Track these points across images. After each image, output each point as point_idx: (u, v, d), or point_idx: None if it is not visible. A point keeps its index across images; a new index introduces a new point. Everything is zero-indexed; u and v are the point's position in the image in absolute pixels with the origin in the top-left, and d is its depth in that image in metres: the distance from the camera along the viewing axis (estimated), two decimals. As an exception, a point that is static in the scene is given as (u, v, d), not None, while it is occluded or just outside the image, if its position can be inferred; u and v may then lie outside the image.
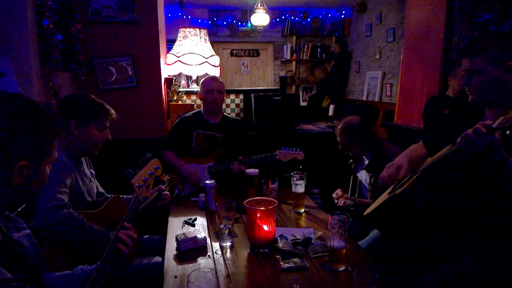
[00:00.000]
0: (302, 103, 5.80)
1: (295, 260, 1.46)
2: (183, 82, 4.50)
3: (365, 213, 1.70)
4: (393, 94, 4.45)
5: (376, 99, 4.81)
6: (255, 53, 6.35)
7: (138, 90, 2.99)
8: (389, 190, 1.65)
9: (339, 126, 2.23)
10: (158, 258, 1.76)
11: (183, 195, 2.48)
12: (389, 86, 4.57)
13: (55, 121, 0.87)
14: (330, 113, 5.38)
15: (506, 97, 1.31)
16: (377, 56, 4.86)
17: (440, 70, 3.02)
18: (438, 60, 3.02)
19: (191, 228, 1.84)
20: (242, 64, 6.32)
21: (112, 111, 1.74)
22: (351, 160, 2.32)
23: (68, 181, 1.56)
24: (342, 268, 1.39)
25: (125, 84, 2.96)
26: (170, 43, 3.75)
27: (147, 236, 2.02)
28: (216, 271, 1.39)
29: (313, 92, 6.04)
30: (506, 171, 1.07)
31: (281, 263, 1.44)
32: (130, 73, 2.94)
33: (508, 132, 0.97)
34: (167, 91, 3.32)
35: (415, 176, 1.38)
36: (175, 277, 1.40)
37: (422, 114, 2.81)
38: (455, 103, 2.52)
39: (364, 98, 5.12)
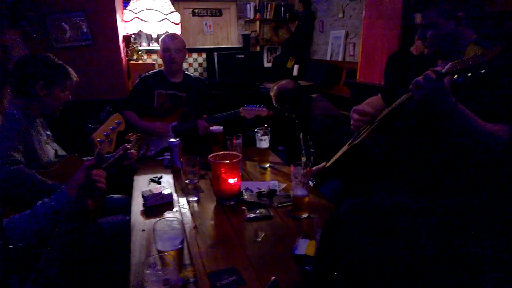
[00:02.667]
0: (267, 64, 5.75)
1: (260, 210, 1.51)
2: (144, 44, 4.30)
3: (327, 165, 1.77)
4: (356, 54, 4.50)
5: (340, 59, 4.85)
6: (218, 13, 6.12)
7: (95, 48, 2.84)
8: (349, 142, 1.71)
9: (271, 92, 2.31)
10: (124, 217, 1.77)
11: (148, 155, 2.45)
12: (352, 46, 4.61)
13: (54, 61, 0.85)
14: (295, 73, 5.39)
15: (457, 48, 1.37)
16: (340, 15, 4.85)
17: (400, 27, 3.08)
18: (398, 18, 3.07)
19: (157, 186, 1.85)
20: (205, 24, 6.09)
21: (73, 73, 1.69)
22: (296, 121, 2.39)
23: (21, 139, 1.50)
24: (305, 215, 1.46)
25: (80, 42, 2.79)
26: (126, 1, 3.53)
27: (112, 195, 2.00)
28: (183, 223, 1.42)
29: (278, 53, 5.99)
30: (454, 118, 1.14)
31: (246, 213, 1.50)
32: (85, 30, 2.77)
33: (455, 76, 1.02)
34: (126, 49, 3.16)
35: (372, 126, 1.44)
36: (143, 230, 1.42)
37: (384, 70, 2.88)
38: (414, 58, 2.60)
39: (328, 58, 5.15)
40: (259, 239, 1.31)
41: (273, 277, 1.05)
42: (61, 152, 1.83)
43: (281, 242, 1.29)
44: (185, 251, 1.23)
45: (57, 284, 0.99)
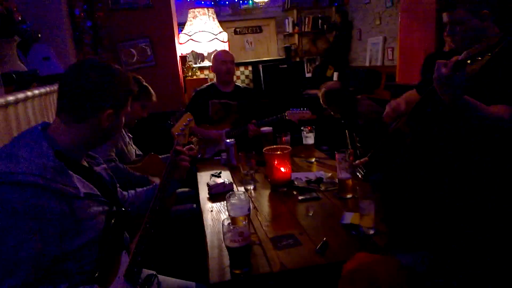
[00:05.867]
0: (307, 74, 5.99)
1: (310, 193, 1.74)
2: (191, 62, 4.76)
3: (368, 156, 1.97)
4: (394, 58, 4.62)
5: (379, 64, 4.98)
6: (258, 30, 6.50)
7: (157, 69, 3.26)
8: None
9: (319, 93, 2.52)
10: (191, 205, 2.07)
11: (205, 157, 2.77)
12: (390, 50, 4.73)
13: (128, 82, 1.15)
14: (335, 79, 5.57)
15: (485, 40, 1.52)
16: (377, 22, 5.00)
17: (435, 28, 3.20)
18: (433, 19, 3.21)
19: (218, 180, 2.13)
20: (246, 42, 6.49)
21: (154, 94, 2.08)
22: (342, 121, 2.59)
23: (115, 142, 1.87)
24: (349, 195, 1.67)
25: (145, 63, 3.23)
26: (179, 26, 3.99)
27: (179, 189, 2.33)
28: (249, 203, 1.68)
29: (317, 63, 6.21)
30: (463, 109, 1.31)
31: (298, 196, 1.73)
32: (149, 53, 3.20)
33: (469, 61, 1.20)
34: (182, 68, 3.58)
35: (406, 116, 1.63)
36: (211, 211, 1.70)
37: (420, 71, 3.02)
38: (447, 56, 2.72)
39: (367, 64, 5.28)
40: (310, 214, 1.54)
41: (324, 238, 1.28)
42: (138, 152, 2.20)
43: (330, 216, 1.51)
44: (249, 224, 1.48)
45: (148, 257, 1.26)
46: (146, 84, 2.02)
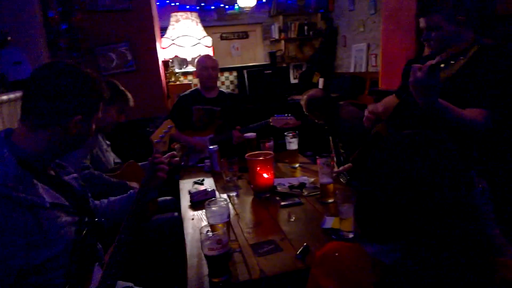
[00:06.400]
0: (293, 81, 6.01)
1: (293, 198, 1.72)
2: (176, 67, 4.71)
3: (350, 159, 1.97)
4: (378, 64, 4.67)
5: (363, 70, 5.04)
6: (244, 35, 6.50)
7: (138, 74, 3.21)
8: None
9: (301, 101, 2.52)
10: (173, 214, 2.02)
11: (189, 165, 2.73)
12: (374, 57, 4.80)
13: (99, 86, 1.10)
14: (320, 86, 5.60)
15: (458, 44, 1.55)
16: (361, 29, 5.07)
17: (415, 34, 3.25)
18: (413, 26, 3.25)
19: (201, 187, 2.10)
20: (233, 47, 6.48)
21: (131, 99, 2.02)
22: (326, 127, 2.59)
23: (89, 148, 1.81)
24: (331, 200, 1.66)
25: (125, 68, 3.17)
26: (161, 31, 3.94)
27: (161, 198, 2.28)
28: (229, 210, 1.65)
29: (303, 69, 6.25)
30: (438, 113, 1.32)
31: (281, 202, 1.71)
32: (129, 58, 3.15)
33: (442, 65, 1.21)
34: (165, 73, 3.53)
35: (385, 120, 1.64)
36: (192, 219, 1.66)
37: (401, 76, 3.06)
38: (426, 60, 2.76)
39: (352, 70, 5.34)
40: (292, 220, 1.52)
41: (305, 243, 1.25)
42: (117, 159, 2.14)
43: (311, 221, 1.49)
44: (229, 231, 1.45)
45: (124, 268, 1.22)
46: (123, 89, 1.97)
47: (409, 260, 0.62)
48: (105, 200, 1.39)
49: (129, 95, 1.99)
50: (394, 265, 0.63)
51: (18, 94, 1.90)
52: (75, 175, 1.22)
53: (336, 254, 0.73)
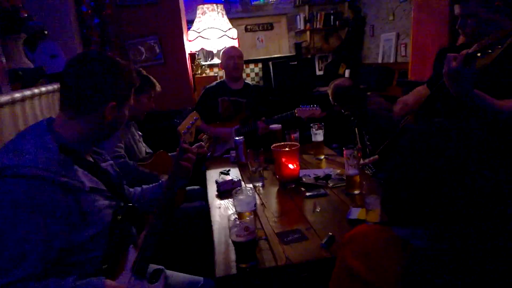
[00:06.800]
0: (319, 72, 5.94)
1: (318, 189, 1.73)
2: (202, 60, 4.76)
3: (377, 151, 1.95)
4: (407, 54, 4.54)
5: (392, 61, 4.91)
6: (269, 27, 6.46)
7: (166, 66, 3.28)
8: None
9: (328, 90, 2.48)
10: (201, 202, 2.08)
11: (215, 155, 2.78)
12: (403, 46, 4.66)
13: (130, 73, 1.15)
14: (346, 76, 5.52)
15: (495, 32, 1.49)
16: (391, 18, 4.93)
17: (449, 23, 3.14)
18: (446, 14, 3.14)
19: (227, 177, 2.14)
20: (257, 39, 6.46)
21: (158, 84, 2.07)
22: (352, 117, 2.55)
23: (122, 138, 1.88)
24: (357, 192, 1.65)
25: (154, 61, 3.25)
26: (188, 24, 4.00)
27: (189, 187, 2.34)
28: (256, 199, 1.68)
29: (329, 60, 6.15)
30: (475, 104, 1.28)
31: (306, 193, 1.72)
32: (157, 51, 3.22)
33: (479, 54, 1.17)
34: (191, 65, 3.59)
35: (415, 112, 1.61)
36: (219, 207, 1.70)
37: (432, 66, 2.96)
38: (459, 49, 2.67)
39: (380, 61, 5.22)
40: (318, 210, 1.53)
41: (330, 233, 1.26)
42: (148, 149, 2.22)
43: (337, 212, 1.50)
44: (256, 220, 1.48)
45: (155, 252, 1.27)
46: (149, 75, 2.04)
47: (438, 244, 0.62)
48: (139, 188, 1.45)
49: (155, 81, 2.05)
50: (424, 248, 0.64)
51: (55, 86, 2.00)
52: (111, 162, 1.28)
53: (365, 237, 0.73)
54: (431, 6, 3.39)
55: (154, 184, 1.47)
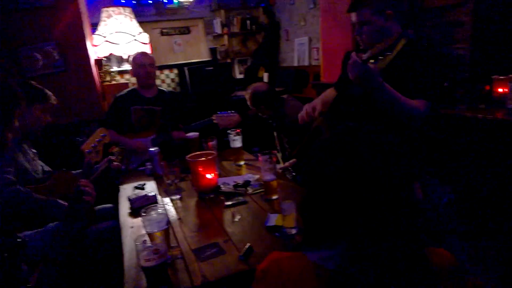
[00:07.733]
0: (239, 76, 5.98)
1: (237, 198, 1.69)
2: (115, 66, 4.45)
3: (292, 154, 1.97)
4: (319, 57, 4.78)
5: (306, 64, 5.13)
6: (186, 31, 6.33)
7: (68, 74, 2.98)
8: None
9: (246, 94, 2.51)
10: (113, 222, 1.90)
11: (130, 168, 2.59)
12: (315, 50, 4.90)
13: (14, 93, 0.98)
14: (265, 80, 5.63)
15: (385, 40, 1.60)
16: (302, 23, 5.14)
17: (352, 29, 3.36)
18: (349, 21, 3.35)
19: (142, 192, 1.99)
20: (175, 43, 6.29)
21: (53, 96, 1.84)
22: (270, 120, 2.60)
23: (11, 160, 1.62)
24: (275, 197, 1.65)
25: (53, 69, 2.93)
26: (95, 27, 3.70)
27: (100, 206, 2.13)
28: (168, 216, 1.58)
29: (248, 64, 6.23)
30: (383, 95, 1.36)
31: (225, 202, 1.67)
32: (57, 57, 2.91)
33: (372, 61, 1.25)
34: (99, 72, 3.32)
35: (325, 113, 1.66)
36: (131, 227, 1.56)
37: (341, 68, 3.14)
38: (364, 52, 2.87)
39: (296, 64, 5.42)
40: (236, 220, 1.48)
41: (248, 244, 1.23)
42: (46, 168, 1.96)
43: (256, 220, 1.47)
44: (171, 237, 1.39)
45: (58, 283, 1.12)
46: (39, 86, 1.81)
47: (349, 263, 0.61)
48: (40, 230, 1.25)
49: (49, 92, 1.82)
50: (337, 270, 0.62)
51: None
52: None
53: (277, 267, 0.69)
54: (335, 13, 3.60)
55: (37, 230, 1.28)
